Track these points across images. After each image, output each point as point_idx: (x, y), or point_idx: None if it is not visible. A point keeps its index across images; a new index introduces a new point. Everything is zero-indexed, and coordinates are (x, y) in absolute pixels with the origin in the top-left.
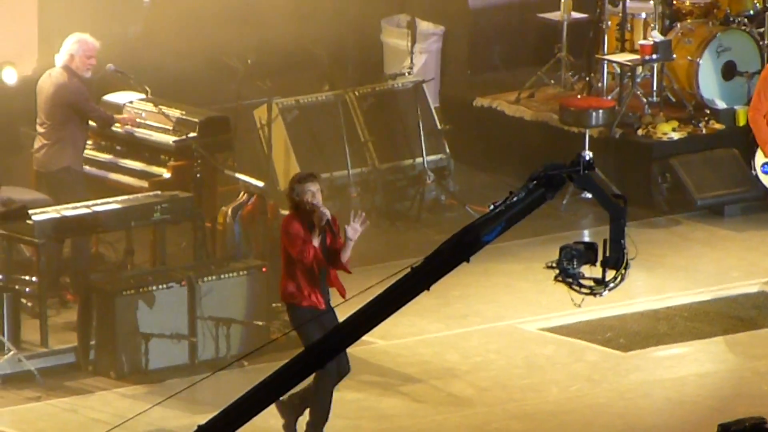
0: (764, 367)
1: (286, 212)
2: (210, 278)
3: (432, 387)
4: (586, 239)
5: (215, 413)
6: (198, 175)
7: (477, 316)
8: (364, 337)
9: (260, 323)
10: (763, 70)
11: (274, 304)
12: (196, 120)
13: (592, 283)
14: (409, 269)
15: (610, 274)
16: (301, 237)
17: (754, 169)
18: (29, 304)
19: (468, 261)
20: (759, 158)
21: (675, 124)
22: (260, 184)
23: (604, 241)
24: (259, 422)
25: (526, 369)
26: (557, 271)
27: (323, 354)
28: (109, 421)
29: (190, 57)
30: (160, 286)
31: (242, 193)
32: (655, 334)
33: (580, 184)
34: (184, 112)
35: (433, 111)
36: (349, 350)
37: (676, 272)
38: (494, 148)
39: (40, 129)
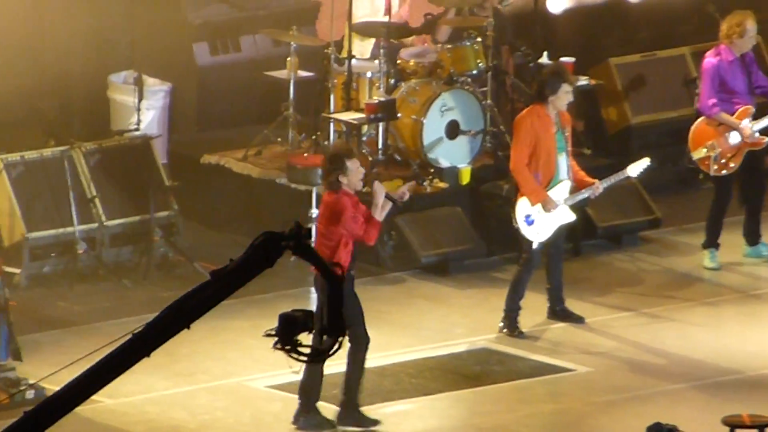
0: (487, 423)
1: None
2: None
3: None
4: (314, 296)
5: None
6: None
7: (205, 373)
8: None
9: None
10: (517, 117)
11: None
12: None
13: (309, 351)
14: (130, 335)
15: (328, 341)
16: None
17: (515, 222)
18: None
19: (188, 328)
20: (521, 210)
21: (399, 182)
22: None
23: (322, 309)
24: None
25: (254, 426)
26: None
27: (38, 425)
28: None
29: None
30: None
31: None
32: (381, 390)
33: (298, 253)
34: None
35: (161, 167)
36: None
37: (401, 329)
38: (223, 205)
39: None
